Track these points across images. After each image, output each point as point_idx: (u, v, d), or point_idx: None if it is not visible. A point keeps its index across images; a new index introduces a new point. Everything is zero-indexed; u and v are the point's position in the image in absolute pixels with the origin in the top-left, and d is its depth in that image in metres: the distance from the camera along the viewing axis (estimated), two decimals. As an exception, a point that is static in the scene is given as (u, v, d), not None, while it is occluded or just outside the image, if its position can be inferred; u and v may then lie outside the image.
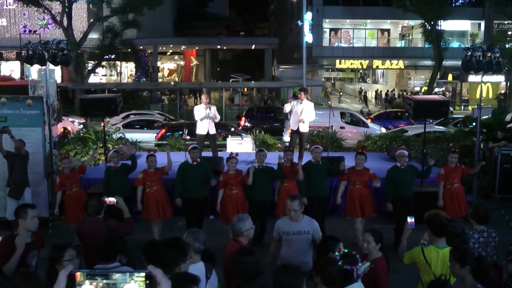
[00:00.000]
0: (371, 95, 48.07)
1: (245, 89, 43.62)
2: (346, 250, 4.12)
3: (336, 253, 4.05)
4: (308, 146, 11.49)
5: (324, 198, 8.76)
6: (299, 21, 26.75)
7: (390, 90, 43.27)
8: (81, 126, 21.30)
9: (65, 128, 21.76)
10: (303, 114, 10.97)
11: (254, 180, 8.40)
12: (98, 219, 5.30)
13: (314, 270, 3.99)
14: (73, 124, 22.47)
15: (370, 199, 8.67)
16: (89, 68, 37.14)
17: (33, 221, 5.03)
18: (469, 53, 9.90)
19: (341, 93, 48.24)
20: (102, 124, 10.87)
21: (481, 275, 3.98)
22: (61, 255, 4.23)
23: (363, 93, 46.41)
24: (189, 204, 8.44)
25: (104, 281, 1.97)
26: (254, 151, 11.39)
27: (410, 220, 4.94)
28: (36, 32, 36.28)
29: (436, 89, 38.89)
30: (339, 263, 3.89)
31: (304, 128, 11.14)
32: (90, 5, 37.93)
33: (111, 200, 5.35)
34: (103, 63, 38.13)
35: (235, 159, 8.44)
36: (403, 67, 42.71)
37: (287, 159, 8.83)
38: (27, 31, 38.88)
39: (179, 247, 3.74)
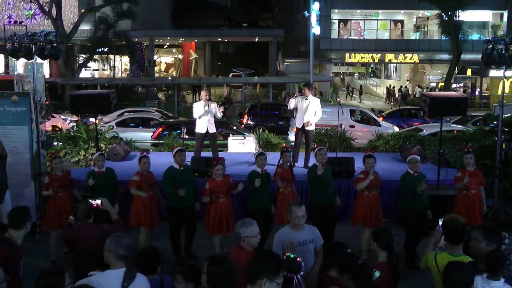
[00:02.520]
0: (381, 91, 48.02)
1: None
2: (292, 256, 4.13)
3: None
4: (315, 145, 11.46)
5: (330, 206, 8.45)
6: (306, 12, 26.72)
7: (403, 86, 43.20)
8: (72, 124, 21.39)
9: (54, 126, 21.87)
10: (308, 113, 10.92)
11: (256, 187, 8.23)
12: (89, 224, 5.33)
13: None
14: (65, 122, 22.57)
15: (380, 206, 8.55)
16: (80, 62, 37.22)
17: (29, 224, 5.18)
18: (490, 45, 9.83)
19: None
20: (96, 122, 10.89)
21: (362, 284, 4.09)
22: (61, 281, 4.07)
23: (350, 89, 46.49)
24: (176, 213, 8.23)
25: None
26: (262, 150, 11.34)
27: (442, 223, 4.93)
28: (22, 23, 36.47)
29: (454, 85, 38.81)
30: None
31: (310, 126, 11.11)
32: (81, -6, 38.05)
33: (97, 202, 5.38)
34: (95, 56, 38.16)
35: (221, 165, 8.15)
36: (418, 61, 42.61)
37: (285, 161, 8.67)
38: (12, 22, 38.99)
39: (270, 260, 3.76)
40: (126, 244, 4.42)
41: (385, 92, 44.92)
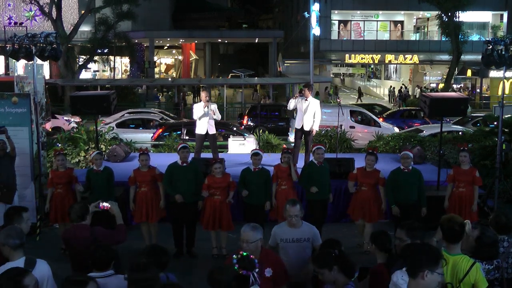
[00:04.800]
0: (381, 92, 47.98)
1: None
2: (244, 254, 4.18)
3: (234, 256, 4.12)
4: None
5: (325, 202, 8.82)
6: (306, 13, 26.70)
7: (404, 87, 43.18)
8: (74, 125, 21.39)
9: (54, 128, 21.88)
10: (307, 114, 10.92)
11: (248, 184, 8.47)
12: (83, 226, 5.29)
13: (208, 279, 4.06)
14: (68, 123, 22.60)
15: (375, 204, 8.65)
16: (80, 63, 37.21)
17: (26, 224, 5.13)
18: (490, 46, 9.84)
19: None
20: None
21: (350, 270, 4.25)
22: None
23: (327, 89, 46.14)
24: (177, 209, 8.44)
25: None
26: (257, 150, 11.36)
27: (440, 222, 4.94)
28: (23, 24, 36.40)
29: (454, 86, 38.82)
30: (235, 267, 4.02)
31: (309, 127, 11.08)
32: (81, -5, 38.05)
33: (105, 205, 5.37)
34: (95, 57, 38.16)
35: (220, 164, 8.44)
36: (418, 62, 42.62)
37: (284, 161, 8.85)
38: (12, 23, 38.98)
39: (429, 251, 3.79)
40: (15, 233, 4.45)
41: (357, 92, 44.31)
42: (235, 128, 18.25)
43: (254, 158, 8.56)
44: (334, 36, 43.46)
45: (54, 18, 32.31)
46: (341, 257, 4.37)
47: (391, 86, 45.34)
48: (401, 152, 8.74)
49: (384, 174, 8.82)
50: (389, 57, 42.24)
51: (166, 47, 54.46)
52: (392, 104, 40.93)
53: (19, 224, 5.01)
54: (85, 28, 36.52)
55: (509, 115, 13.71)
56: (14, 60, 10.49)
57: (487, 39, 10.82)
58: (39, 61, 10.02)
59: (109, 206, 5.40)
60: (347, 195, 10.24)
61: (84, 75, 40.89)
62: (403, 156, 8.50)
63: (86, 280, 3.91)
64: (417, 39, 45.27)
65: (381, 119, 22.34)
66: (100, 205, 5.42)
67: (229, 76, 46.78)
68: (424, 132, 17.61)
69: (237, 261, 4.09)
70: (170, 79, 47.27)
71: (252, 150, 8.97)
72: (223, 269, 4.10)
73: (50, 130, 20.64)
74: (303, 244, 5.59)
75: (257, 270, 4.11)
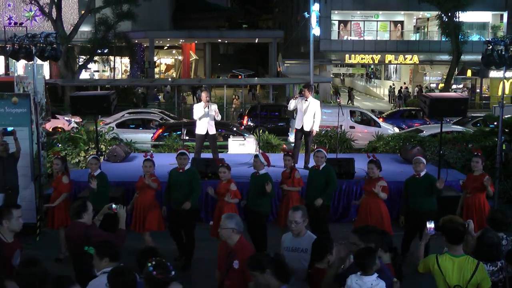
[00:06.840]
0: (382, 92, 47.98)
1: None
2: (157, 258, 4.20)
3: (148, 263, 4.13)
4: (314, 146, 11.44)
5: (324, 206, 8.34)
6: (305, 13, 26.70)
7: (404, 87, 43.19)
8: (74, 125, 21.41)
9: (54, 128, 21.89)
10: (307, 114, 10.91)
11: (250, 187, 8.29)
12: (79, 224, 5.32)
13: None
14: (70, 123, 22.61)
15: (374, 213, 8.06)
16: (80, 63, 37.22)
17: (17, 221, 5.13)
18: (490, 46, 9.82)
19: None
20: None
21: (283, 274, 4.25)
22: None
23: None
24: (171, 215, 8.21)
25: None
26: (257, 153, 11.32)
27: (429, 225, 4.91)
28: (23, 25, 36.45)
29: (454, 86, 38.82)
30: (154, 274, 4.03)
31: (309, 127, 11.07)
32: (81, -5, 38.06)
33: (114, 207, 5.46)
34: (95, 58, 38.18)
35: (223, 168, 8.12)
36: (417, 62, 42.62)
37: (286, 165, 8.63)
38: (12, 23, 39.02)
39: None
40: None
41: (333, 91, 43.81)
42: (235, 128, 18.24)
43: (255, 161, 8.29)
44: (334, 36, 43.45)
45: (54, 18, 32.32)
46: (276, 261, 4.31)
47: (391, 86, 45.36)
48: (414, 157, 8.49)
49: (384, 174, 8.73)
50: (389, 57, 42.24)
51: (166, 47, 54.48)
52: (392, 104, 40.96)
53: (8, 221, 5.04)
54: (85, 28, 36.53)
55: (509, 115, 13.72)
56: (14, 60, 10.48)
57: (487, 39, 10.82)
58: (39, 61, 10.00)
59: (115, 208, 5.46)
60: (347, 195, 10.26)
61: (84, 75, 40.92)
62: (414, 161, 8.23)
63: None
64: (417, 39, 45.25)
65: (381, 119, 22.34)
66: (113, 207, 5.51)
67: (229, 76, 46.83)
68: (424, 132, 17.61)
69: (154, 268, 4.05)
70: (170, 79, 47.26)
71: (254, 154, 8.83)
72: (123, 270, 4.14)
73: (50, 130, 20.65)
74: (299, 255, 5.35)
75: (173, 273, 4.08)
